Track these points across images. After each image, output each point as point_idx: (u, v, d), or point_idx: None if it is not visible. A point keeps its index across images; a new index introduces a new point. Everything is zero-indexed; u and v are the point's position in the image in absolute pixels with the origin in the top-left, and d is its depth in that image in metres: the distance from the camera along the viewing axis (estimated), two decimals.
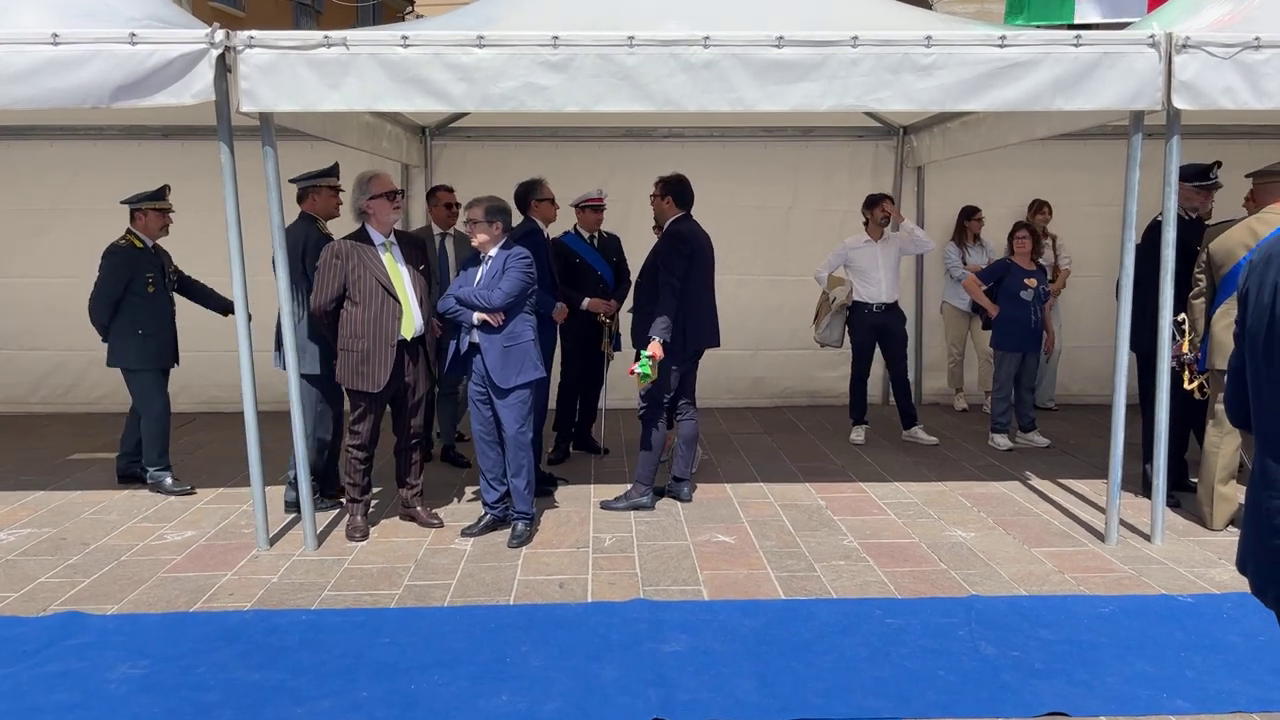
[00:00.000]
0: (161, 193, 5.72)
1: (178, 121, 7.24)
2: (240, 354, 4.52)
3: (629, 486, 5.46)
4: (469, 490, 5.65)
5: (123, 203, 5.71)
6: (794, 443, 6.90)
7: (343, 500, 5.17)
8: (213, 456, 6.59)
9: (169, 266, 5.77)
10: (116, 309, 5.51)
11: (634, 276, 5.53)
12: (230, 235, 4.44)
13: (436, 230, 6.08)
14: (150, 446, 5.66)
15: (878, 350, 6.90)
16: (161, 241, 5.78)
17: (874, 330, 6.78)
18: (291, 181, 5.12)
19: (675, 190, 5.32)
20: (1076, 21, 8.07)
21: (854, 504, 5.41)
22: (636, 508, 5.31)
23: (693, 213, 5.70)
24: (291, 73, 4.24)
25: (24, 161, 7.70)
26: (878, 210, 6.73)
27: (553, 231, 5.94)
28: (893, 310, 6.81)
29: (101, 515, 5.30)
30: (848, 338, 6.92)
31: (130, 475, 5.85)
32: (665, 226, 5.32)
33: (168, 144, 7.59)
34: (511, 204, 5.09)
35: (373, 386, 4.74)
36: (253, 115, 4.34)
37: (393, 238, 4.87)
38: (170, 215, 5.77)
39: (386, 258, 4.80)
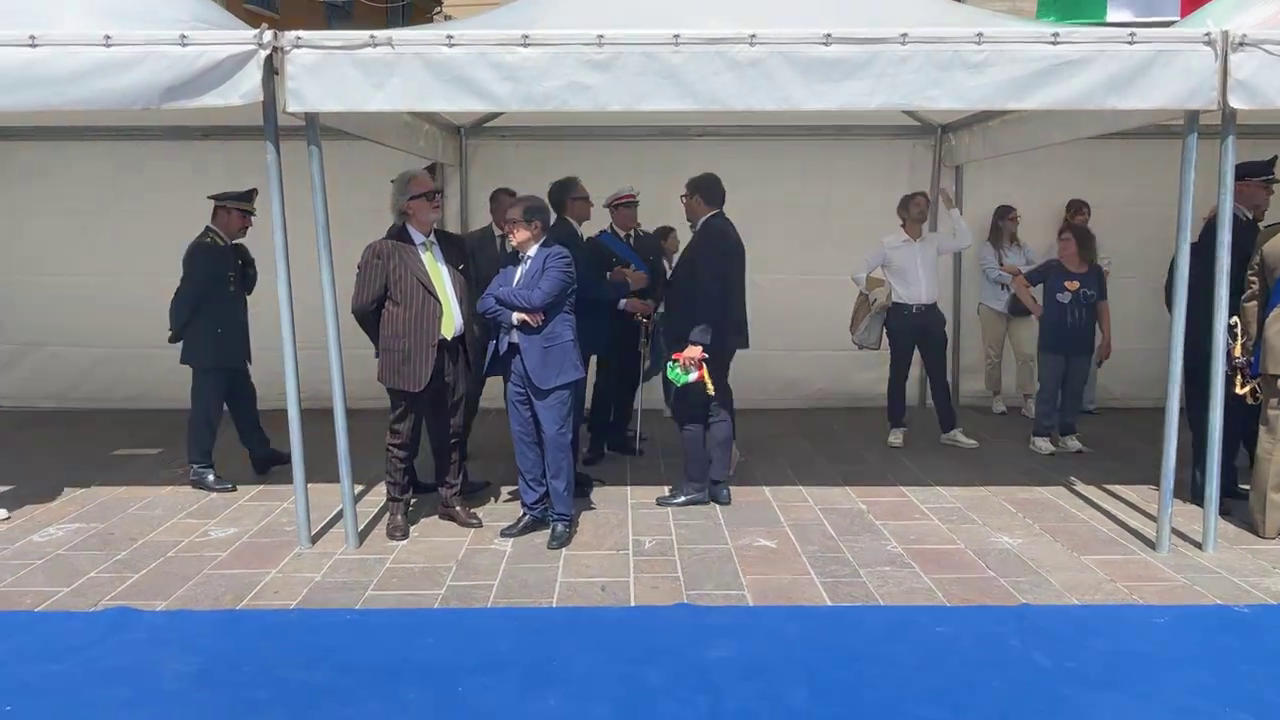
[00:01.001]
0: (250, 195, 5.77)
1: (220, 122, 7.24)
2: (283, 351, 4.52)
3: (671, 485, 5.51)
4: (505, 490, 5.64)
5: (210, 197, 5.74)
6: (831, 445, 6.83)
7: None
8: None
9: (249, 265, 5.84)
10: (197, 308, 5.53)
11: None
12: (275, 235, 4.45)
13: (498, 232, 6.07)
14: (195, 444, 5.71)
15: (916, 352, 6.83)
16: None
17: (914, 332, 6.71)
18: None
19: (704, 188, 5.31)
20: (1109, 20, 7.93)
21: (895, 508, 5.34)
22: (692, 503, 5.34)
23: (726, 212, 5.69)
24: (337, 73, 4.23)
25: (68, 162, 7.78)
26: (911, 208, 6.66)
27: (588, 230, 5.94)
28: (932, 311, 6.73)
29: (147, 511, 5.34)
30: (885, 339, 6.84)
31: (268, 457, 5.96)
32: (699, 224, 5.31)
33: (208, 144, 7.62)
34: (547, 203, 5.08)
35: (414, 386, 4.73)
36: (298, 115, 4.34)
37: (433, 237, 4.86)
38: (251, 219, 5.81)
39: (427, 257, 4.80)
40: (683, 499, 5.38)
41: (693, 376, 5.03)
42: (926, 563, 4.49)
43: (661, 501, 5.40)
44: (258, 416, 6.04)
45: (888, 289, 6.72)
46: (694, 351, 5.01)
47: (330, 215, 4.54)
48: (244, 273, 5.84)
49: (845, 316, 7.13)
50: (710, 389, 5.09)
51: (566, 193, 5.63)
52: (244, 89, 4.23)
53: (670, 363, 5.13)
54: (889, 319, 6.77)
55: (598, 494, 5.61)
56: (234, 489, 5.70)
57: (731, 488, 5.56)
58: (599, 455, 6.39)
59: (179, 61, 4.18)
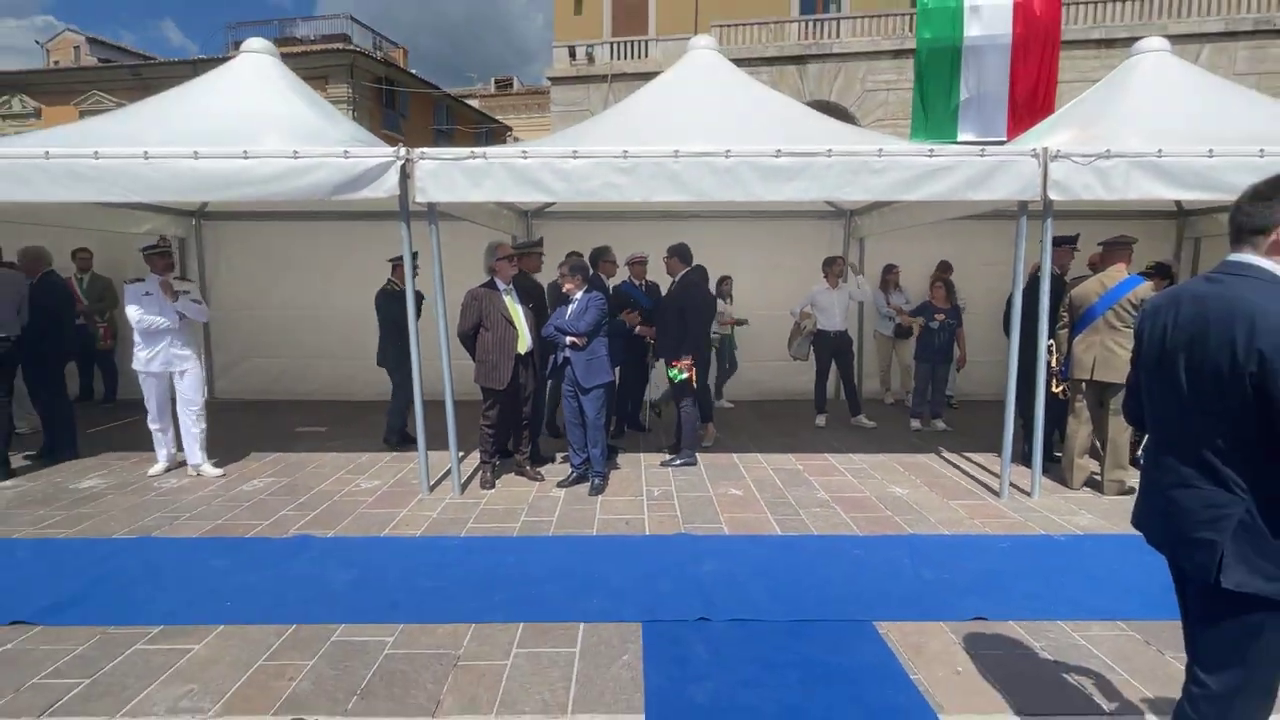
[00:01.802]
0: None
1: (369, 209, 7.24)
2: (411, 359, 4.51)
3: (670, 451, 5.50)
4: (559, 456, 5.61)
5: (390, 260, 5.56)
6: (778, 425, 6.78)
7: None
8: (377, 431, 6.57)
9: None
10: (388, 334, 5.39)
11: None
12: (407, 285, 4.43)
13: (636, 281, 6.04)
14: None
15: (833, 362, 6.80)
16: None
17: (831, 348, 6.68)
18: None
19: (679, 252, 5.37)
20: (960, 139, 7.89)
21: (823, 468, 5.31)
22: (687, 464, 5.28)
23: (708, 268, 5.81)
24: (449, 176, 4.23)
25: (268, 236, 7.75)
26: (835, 266, 6.64)
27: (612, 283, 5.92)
28: (843, 336, 6.71)
29: (318, 470, 5.29)
30: (813, 353, 6.83)
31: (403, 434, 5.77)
32: (678, 278, 5.33)
33: (360, 223, 7.59)
34: (587, 262, 5.05)
35: (500, 385, 4.71)
36: (423, 204, 4.34)
37: (511, 285, 4.84)
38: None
39: (507, 299, 4.77)
40: (679, 461, 5.34)
41: (684, 376, 5.10)
42: (845, 506, 4.45)
43: (664, 464, 5.36)
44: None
45: (814, 320, 6.68)
46: (686, 360, 5.10)
47: (444, 270, 4.52)
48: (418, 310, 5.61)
49: (785, 338, 7.12)
50: (694, 383, 5.16)
51: (600, 256, 5.61)
52: (386, 185, 4.22)
53: (670, 368, 5.15)
54: (815, 340, 6.74)
55: (621, 458, 5.58)
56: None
57: (709, 454, 5.51)
58: (621, 432, 6.32)
59: (343, 168, 4.18)
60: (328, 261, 7.75)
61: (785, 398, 7.93)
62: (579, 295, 4.75)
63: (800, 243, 7.80)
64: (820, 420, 6.79)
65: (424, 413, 4.60)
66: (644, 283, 6.25)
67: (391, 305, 5.55)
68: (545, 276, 5.79)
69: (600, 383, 4.72)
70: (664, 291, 5.62)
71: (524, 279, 5.23)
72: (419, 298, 5.70)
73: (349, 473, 5.23)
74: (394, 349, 5.52)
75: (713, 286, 6.51)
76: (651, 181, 4.26)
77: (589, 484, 4.79)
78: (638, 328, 5.91)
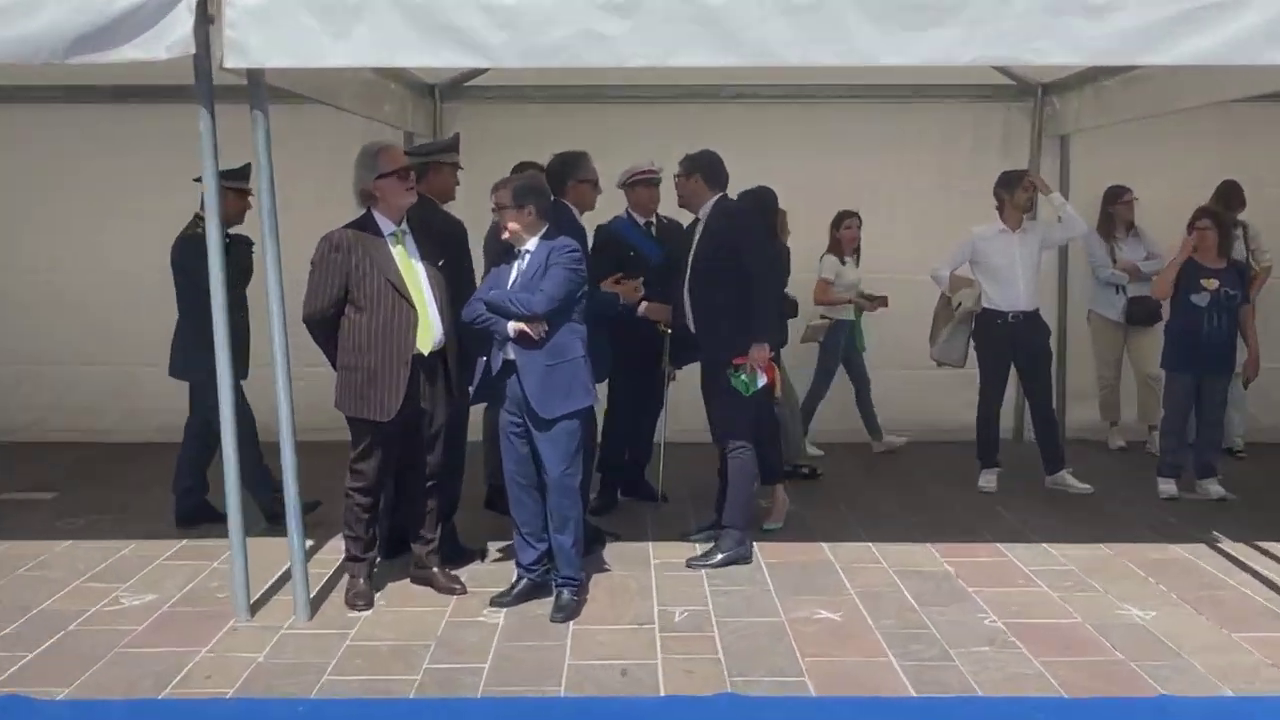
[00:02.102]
0: (244, 172, 5.70)
1: (136, 80, 7.27)
2: (218, 367, 4.51)
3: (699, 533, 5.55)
4: (495, 547, 5.60)
5: (197, 180, 5.67)
6: (907, 489, 6.79)
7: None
8: (169, 500, 6.59)
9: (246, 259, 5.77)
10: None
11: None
12: (210, 223, 4.44)
13: (639, 218, 6.22)
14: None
15: (1012, 372, 6.81)
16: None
17: (1009, 346, 6.70)
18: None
19: (707, 167, 5.48)
20: None
21: (992, 571, 5.30)
22: (733, 561, 5.33)
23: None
24: (290, 20, 4.22)
25: None
26: (1019, 191, 6.64)
27: (597, 219, 5.97)
28: (1032, 320, 6.72)
29: (42, 571, 5.31)
30: (973, 355, 6.83)
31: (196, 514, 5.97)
32: (708, 209, 5.44)
33: (121, 108, 7.67)
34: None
35: (381, 414, 4.71)
36: (238, 73, 4.34)
37: (405, 226, 4.85)
38: (250, 199, 5.72)
39: (398, 251, 4.79)
40: (720, 557, 5.37)
41: (763, 381, 5.21)
42: (1035, 642, 4.44)
43: (694, 563, 5.38)
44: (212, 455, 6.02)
45: (976, 291, 6.71)
46: (761, 350, 5.18)
47: (282, 199, 4.54)
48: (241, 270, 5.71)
49: (922, 326, 7.13)
50: (779, 391, 5.33)
51: (571, 172, 5.60)
52: (171, 39, 4.21)
53: (732, 369, 5.22)
54: (977, 329, 6.76)
55: (612, 551, 5.57)
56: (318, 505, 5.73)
57: (777, 543, 5.52)
58: (612, 502, 6.36)
59: (90, 5, 4.17)
60: (62, 184, 7.82)
61: (922, 436, 7.99)
62: (533, 243, 4.75)
63: (944, 149, 7.87)
64: (987, 480, 6.84)
65: (238, 464, 4.61)
66: (653, 220, 6.29)
67: (199, 263, 5.53)
68: (469, 209, 5.80)
69: (572, 409, 4.73)
70: (696, 237, 5.60)
71: (430, 212, 5.25)
72: (245, 246, 5.73)
73: (98, 578, 5.24)
74: (202, 348, 5.49)
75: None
76: (667, 30, 4.26)
77: (553, 600, 4.80)
78: (641, 304, 5.92)
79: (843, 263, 7.42)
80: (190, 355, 5.73)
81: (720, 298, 5.32)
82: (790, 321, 6.68)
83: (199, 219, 5.67)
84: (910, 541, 5.75)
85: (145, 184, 7.58)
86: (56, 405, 8.14)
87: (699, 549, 5.56)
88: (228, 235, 5.71)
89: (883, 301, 7.47)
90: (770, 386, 5.33)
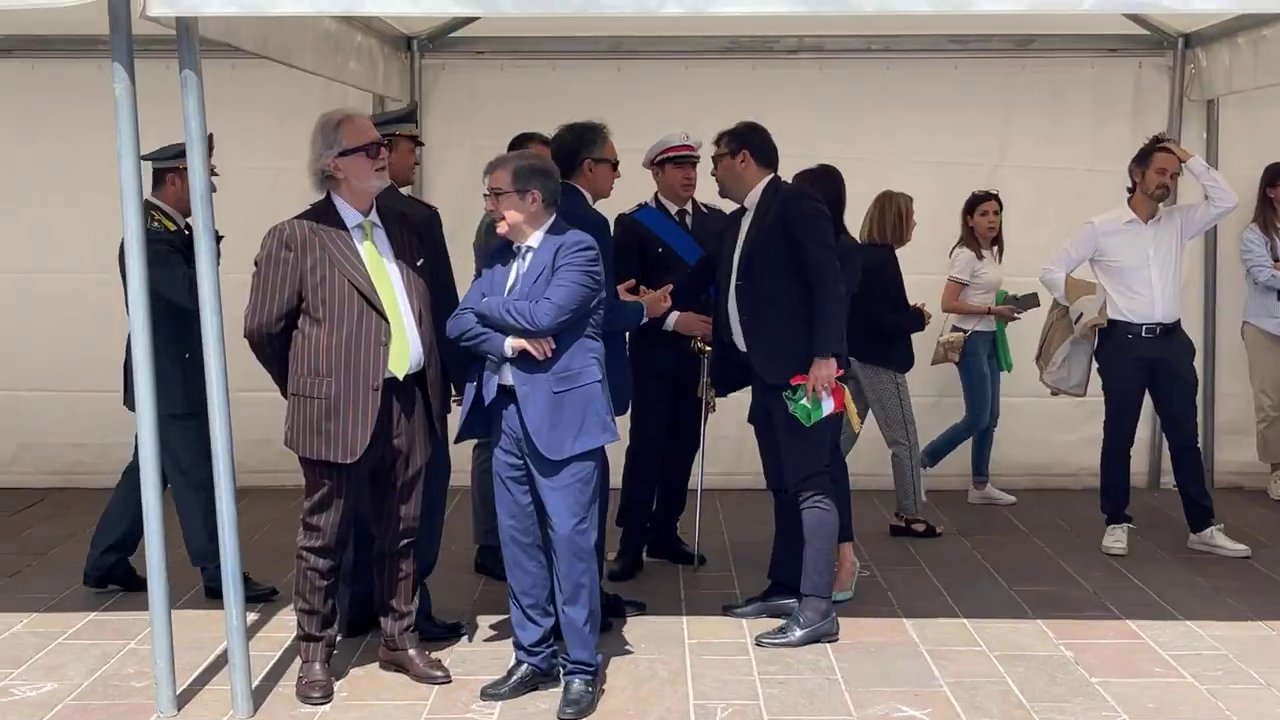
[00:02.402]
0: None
1: (35, 30, 7.37)
2: (137, 392, 4.54)
3: (792, 609, 5.50)
4: (488, 623, 5.60)
5: (145, 157, 5.70)
6: (1010, 550, 6.78)
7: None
8: (74, 561, 6.62)
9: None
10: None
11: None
12: (127, 207, 4.45)
13: (671, 205, 6.29)
14: (195, 534, 5.78)
15: (1146, 400, 6.83)
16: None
17: (1143, 367, 6.72)
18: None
19: (753, 141, 5.55)
20: None
21: (1122, 656, 5.27)
22: (818, 638, 5.37)
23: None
24: None
25: None
26: (1150, 172, 6.62)
27: (614, 207, 5.97)
28: (1172, 336, 6.74)
29: None
30: (1098, 378, 6.85)
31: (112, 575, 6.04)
32: (758, 192, 5.49)
33: (11, 63, 7.79)
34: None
35: (345, 454, 4.71)
36: (165, 22, 4.38)
37: (375, 216, 4.87)
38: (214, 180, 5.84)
39: (366, 247, 4.80)
40: (801, 633, 5.37)
41: (829, 407, 5.22)
42: None
43: (768, 641, 5.39)
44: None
45: (1101, 299, 6.71)
46: (828, 368, 5.19)
47: (220, 181, 4.58)
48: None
49: (1029, 341, 7.14)
50: (857, 423, 5.41)
51: (586, 147, 5.59)
52: None
53: (789, 391, 5.22)
54: (1102, 347, 6.78)
55: (636, 628, 5.57)
56: (275, 595, 5.84)
57: (852, 618, 5.52)
58: (635, 565, 6.38)
59: None
60: None
61: (1029, 484, 8.03)
62: (536, 238, 4.78)
63: (1058, 116, 7.92)
64: (1115, 539, 6.85)
65: (161, 516, 4.62)
66: (688, 209, 6.35)
67: (156, 268, 5.54)
68: (450, 194, 5.84)
69: (587, 447, 4.74)
70: (744, 229, 5.63)
71: (402, 200, 5.27)
72: (185, 240, 5.77)
73: None
74: (167, 365, 5.50)
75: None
76: None
77: (561, 691, 4.79)
78: (672, 316, 5.96)
79: (980, 258, 7.46)
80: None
81: (777, 305, 5.34)
82: (916, 337, 6.85)
83: (153, 210, 5.70)
84: (1016, 618, 5.71)
85: (50, 163, 7.77)
86: None
87: (747, 625, 5.56)
88: (187, 227, 5.80)
89: (1032, 302, 7.44)
90: (840, 415, 5.34)
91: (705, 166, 6.28)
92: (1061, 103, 7.91)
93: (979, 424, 7.55)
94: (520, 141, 6.22)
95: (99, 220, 6.89)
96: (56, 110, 7.75)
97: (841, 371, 5.29)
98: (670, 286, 5.75)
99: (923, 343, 7.09)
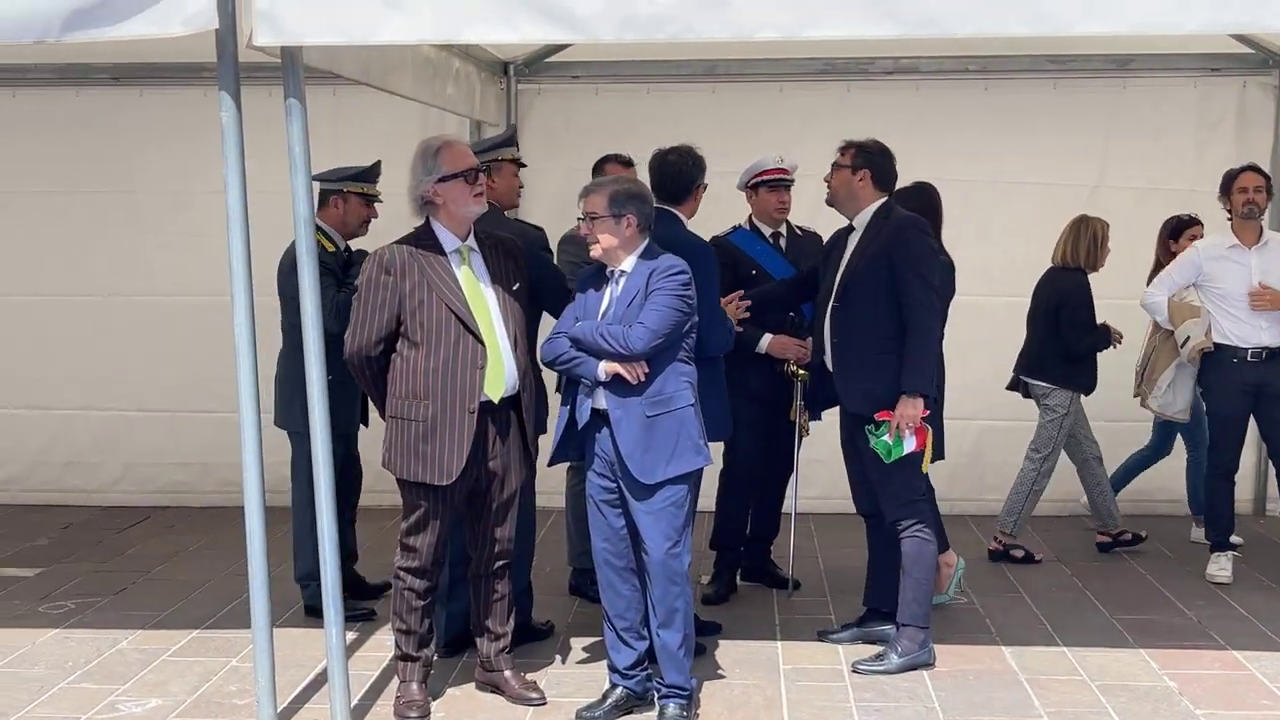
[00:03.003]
0: (372, 172, 5.94)
1: (142, 57, 7.56)
2: (241, 412, 4.59)
3: (888, 636, 5.49)
4: (580, 645, 5.63)
5: (314, 178, 5.83)
6: (1111, 577, 6.72)
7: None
8: (178, 579, 6.78)
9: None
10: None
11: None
12: (232, 232, 4.50)
13: (765, 228, 6.30)
14: (301, 552, 5.93)
15: (1252, 424, 6.75)
16: None
17: (1248, 392, 6.64)
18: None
19: (877, 163, 5.50)
20: None
21: (1227, 688, 5.19)
22: (914, 666, 5.36)
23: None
24: None
25: None
26: (1235, 194, 6.59)
27: (708, 229, 5.99)
28: (1278, 360, 6.61)
29: (20, 668, 5.43)
30: (1202, 405, 6.83)
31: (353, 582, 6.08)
32: (868, 214, 5.46)
33: (121, 91, 8.01)
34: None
35: (441, 476, 4.76)
36: (270, 51, 4.46)
37: (472, 242, 4.93)
38: (376, 205, 6.06)
39: (463, 272, 4.85)
40: (898, 660, 5.35)
41: (911, 445, 5.18)
42: None
43: (864, 668, 5.36)
44: (355, 513, 6.29)
45: (1205, 323, 6.63)
46: (915, 408, 5.15)
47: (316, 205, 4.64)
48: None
49: (1128, 365, 7.07)
50: (928, 463, 5.31)
51: (700, 173, 5.58)
52: (190, 10, 4.30)
53: (872, 425, 5.21)
54: (1205, 371, 6.71)
55: (729, 653, 5.57)
56: (373, 616, 5.92)
57: (949, 645, 5.49)
58: (729, 589, 6.38)
59: None
60: (49, 187, 8.14)
61: (1131, 509, 7.86)
62: (629, 263, 4.80)
63: (1161, 135, 7.83)
64: (1220, 567, 6.75)
65: (264, 534, 4.66)
66: (781, 230, 6.37)
67: (322, 286, 5.49)
68: (546, 219, 5.88)
69: (679, 472, 4.74)
70: (848, 251, 5.61)
71: (498, 222, 5.32)
72: (344, 262, 5.93)
73: (90, 678, 5.34)
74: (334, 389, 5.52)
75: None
76: None
77: (656, 715, 4.82)
78: (765, 339, 6.00)
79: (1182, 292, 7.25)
80: (297, 400, 5.57)
81: (871, 335, 5.31)
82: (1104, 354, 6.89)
83: (318, 229, 5.67)
84: (1119, 646, 5.65)
85: (154, 186, 8.02)
86: (39, 459, 8.45)
87: (842, 651, 5.54)
88: (347, 249, 5.98)
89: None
90: (919, 455, 5.26)
91: (799, 189, 6.33)
92: (1163, 123, 7.81)
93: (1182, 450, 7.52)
94: (601, 165, 6.28)
95: (206, 244, 7.09)
96: (164, 136, 7.92)
97: (927, 412, 5.24)
98: (740, 293, 5.82)
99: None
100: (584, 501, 5.03)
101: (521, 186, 5.74)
